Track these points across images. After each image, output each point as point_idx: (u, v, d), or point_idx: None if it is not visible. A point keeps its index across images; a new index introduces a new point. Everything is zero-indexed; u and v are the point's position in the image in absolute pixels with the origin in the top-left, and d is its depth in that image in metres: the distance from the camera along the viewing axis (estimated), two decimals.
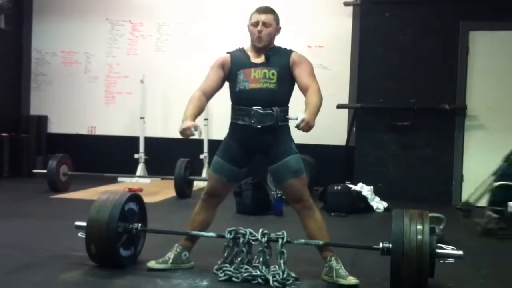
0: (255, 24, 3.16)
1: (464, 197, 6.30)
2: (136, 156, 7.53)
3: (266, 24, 3.14)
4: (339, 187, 5.54)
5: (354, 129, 6.71)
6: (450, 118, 6.31)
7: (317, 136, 6.52)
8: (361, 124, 6.66)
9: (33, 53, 8.23)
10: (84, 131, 8.08)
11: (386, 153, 6.51)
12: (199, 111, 3.14)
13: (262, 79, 3.10)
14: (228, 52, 3.27)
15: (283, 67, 3.13)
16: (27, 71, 8.23)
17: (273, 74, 3.11)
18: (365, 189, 5.85)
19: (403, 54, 6.49)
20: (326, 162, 6.78)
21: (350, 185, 5.84)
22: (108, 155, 7.72)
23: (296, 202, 3.12)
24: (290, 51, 3.20)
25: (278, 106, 3.08)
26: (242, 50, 3.25)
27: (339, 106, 6.72)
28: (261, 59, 3.16)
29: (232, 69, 3.19)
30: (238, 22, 7.57)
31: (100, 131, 8.04)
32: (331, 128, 7.04)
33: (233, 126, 3.20)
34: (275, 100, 3.10)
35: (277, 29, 3.22)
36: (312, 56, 7.22)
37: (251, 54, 3.19)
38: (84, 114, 8.08)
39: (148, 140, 7.60)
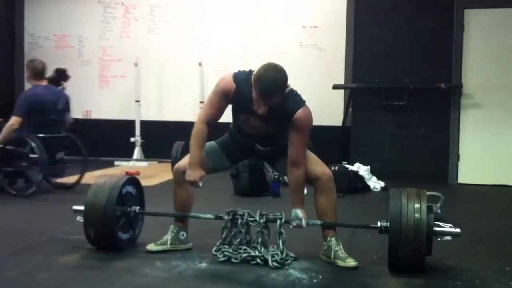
0: (258, 101, 2.86)
1: (461, 175, 6.34)
2: (132, 139, 7.52)
3: (270, 102, 2.86)
4: (336, 168, 5.53)
5: (350, 109, 6.70)
6: (446, 97, 6.31)
7: (313, 117, 6.51)
8: (357, 104, 6.65)
9: (26, 37, 8.16)
10: (79, 115, 8.03)
11: (382, 133, 6.52)
12: (203, 148, 3.09)
13: (259, 129, 3.04)
14: (234, 78, 2.96)
15: (283, 126, 2.97)
16: (21, 55, 8.16)
17: (270, 130, 3.04)
18: (362, 169, 5.87)
19: (398, 33, 6.47)
20: (323, 143, 6.74)
21: (347, 165, 5.86)
22: (104, 139, 7.69)
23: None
24: (296, 109, 2.90)
25: (278, 145, 3.09)
26: (249, 85, 2.88)
27: (335, 87, 6.71)
28: (262, 110, 2.88)
29: (234, 103, 3.02)
30: (231, 2, 7.54)
31: (95, 115, 8.01)
32: (327, 109, 7.03)
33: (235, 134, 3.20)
34: (274, 140, 3.11)
35: (284, 93, 2.87)
36: (307, 36, 7.27)
37: (255, 98, 2.87)
38: (78, 98, 7.98)
39: (144, 123, 7.58)
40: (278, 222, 3.03)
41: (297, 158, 2.99)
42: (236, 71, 3.05)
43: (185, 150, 6.25)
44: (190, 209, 3.28)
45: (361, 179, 5.77)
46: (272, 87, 2.79)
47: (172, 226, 3.26)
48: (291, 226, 3.01)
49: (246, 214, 3.08)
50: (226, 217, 3.09)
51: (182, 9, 7.68)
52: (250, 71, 2.97)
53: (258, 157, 3.35)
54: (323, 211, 3.08)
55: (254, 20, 7.42)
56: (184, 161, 3.16)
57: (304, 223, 2.99)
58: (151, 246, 3.18)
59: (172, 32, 7.71)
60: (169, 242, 3.20)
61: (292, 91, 2.96)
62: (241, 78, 2.97)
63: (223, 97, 3.00)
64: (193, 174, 3.00)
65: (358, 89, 6.56)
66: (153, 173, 6.60)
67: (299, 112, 2.91)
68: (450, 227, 2.90)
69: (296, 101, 2.94)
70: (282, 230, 3.02)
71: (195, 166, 3.02)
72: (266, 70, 2.82)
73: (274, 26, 7.35)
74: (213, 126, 3.07)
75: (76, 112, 7.99)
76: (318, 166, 3.10)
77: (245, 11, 7.47)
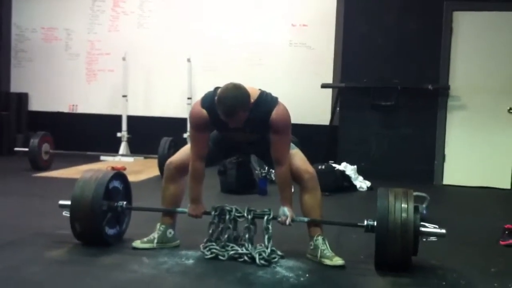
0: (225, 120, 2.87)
1: (446, 176, 6.39)
2: (118, 134, 7.48)
3: (237, 121, 2.86)
4: (323, 166, 5.56)
5: (338, 108, 6.72)
6: (433, 98, 6.35)
7: (301, 116, 6.53)
8: (345, 103, 6.67)
9: (13, 29, 8.08)
10: (65, 109, 7.99)
11: (369, 133, 6.55)
12: (202, 183, 3.17)
13: (243, 138, 3.09)
14: (203, 105, 2.97)
15: (264, 130, 2.97)
16: (7, 47, 8.08)
17: (253, 137, 3.07)
18: (349, 168, 5.89)
19: (387, 34, 6.49)
20: (310, 142, 6.77)
21: (333, 164, 5.88)
22: (90, 133, 7.65)
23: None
24: (270, 111, 2.90)
25: (265, 142, 3.08)
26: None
27: (323, 86, 6.73)
28: (238, 123, 2.89)
29: (213, 126, 3.06)
30: None
31: (81, 109, 7.96)
32: (315, 108, 7.07)
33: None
34: (259, 143, 3.12)
35: (248, 108, 2.85)
36: (296, 35, 7.28)
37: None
38: (65, 91, 7.98)
39: (130, 118, 7.55)
40: (266, 217, 3.04)
41: (281, 157, 3.01)
42: (202, 96, 3.04)
43: (172, 146, 6.26)
44: (179, 206, 3.28)
45: (347, 178, 5.79)
46: (233, 106, 2.78)
47: (159, 224, 3.25)
48: (278, 219, 3.03)
49: (233, 209, 3.09)
50: (213, 213, 3.10)
51: (171, 4, 7.65)
52: (215, 89, 2.96)
53: (247, 152, 3.37)
54: (308, 209, 3.09)
55: (244, 18, 7.42)
56: (177, 157, 3.21)
57: (290, 220, 3.01)
58: (137, 243, 3.17)
59: (161, 27, 7.68)
60: (155, 240, 3.19)
61: (262, 94, 2.97)
62: (209, 100, 2.96)
63: (203, 128, 3.01)
64: (196, 209, 3.15)
65: (346, 88, 6.58)
66: (140, 169, 6.58)
67: (274, 113, 2.91)
68: (436, 227, 2.93)
69: (268, 101, 2.95)
70: (269, 226, 3.03)
71: (197, 201, 3.16)
72: (225, 91, 2.82)
73: (264, 24, 7.35)
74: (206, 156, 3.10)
75: (62, 105, 7.97)
76: (302, 165, 3.11)
77: (235, 8, 7.46)
